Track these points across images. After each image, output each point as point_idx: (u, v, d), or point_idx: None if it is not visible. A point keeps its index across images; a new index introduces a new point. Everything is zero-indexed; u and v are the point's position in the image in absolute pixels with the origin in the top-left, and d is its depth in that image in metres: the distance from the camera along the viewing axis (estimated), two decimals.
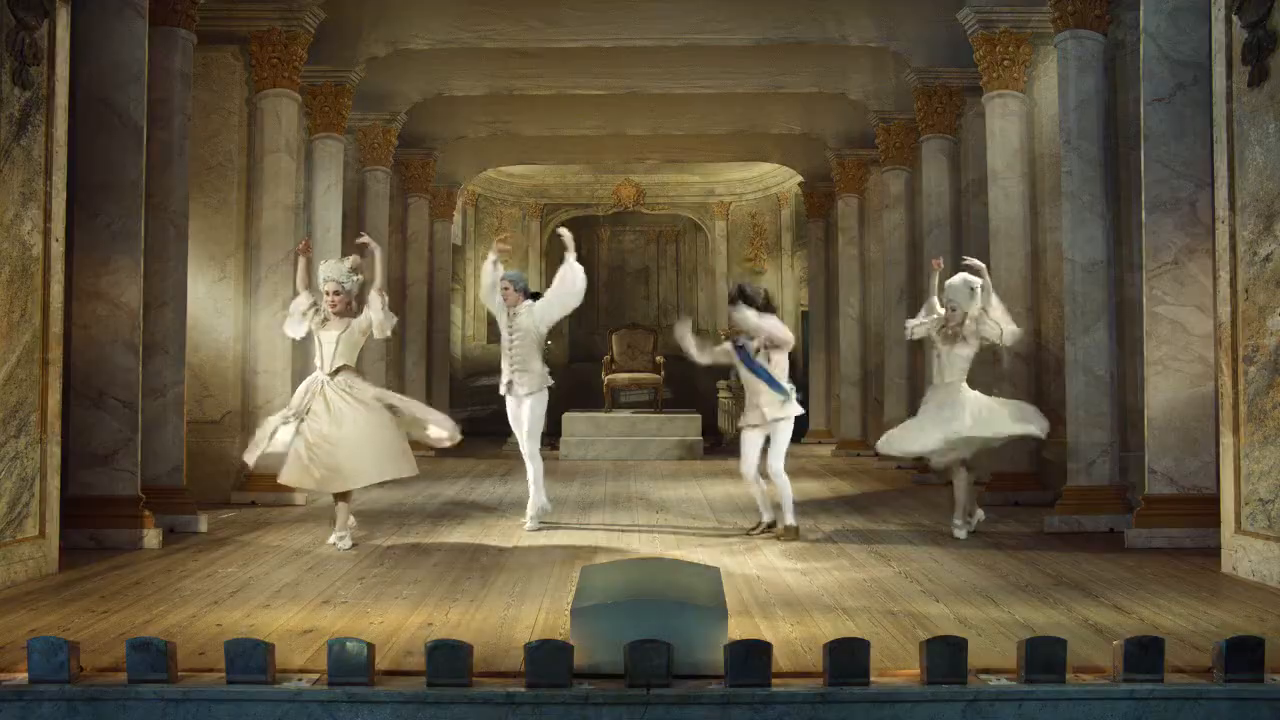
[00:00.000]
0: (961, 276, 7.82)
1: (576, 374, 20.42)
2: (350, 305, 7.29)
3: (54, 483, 6.44)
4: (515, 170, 20.21)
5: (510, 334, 8.13)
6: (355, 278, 7.31)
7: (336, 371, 7.18)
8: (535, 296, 8.18)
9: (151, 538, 7.27)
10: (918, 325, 8.01)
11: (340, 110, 11.60)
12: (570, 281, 8.12)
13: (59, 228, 6.47)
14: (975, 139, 11.13)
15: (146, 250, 7.68)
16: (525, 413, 8.15)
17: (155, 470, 7.97)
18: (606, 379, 16.85)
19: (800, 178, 17.57)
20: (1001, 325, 7.71)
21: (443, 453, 15.20)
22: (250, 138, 10.08)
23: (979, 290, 7.70)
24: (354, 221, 13.25)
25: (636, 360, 17.34)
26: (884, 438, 8.11)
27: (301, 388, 7.29)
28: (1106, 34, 8.54)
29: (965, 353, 7.73)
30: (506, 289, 8.13)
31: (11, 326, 6.11)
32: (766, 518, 7.98)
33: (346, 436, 7.01)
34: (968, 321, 7.69)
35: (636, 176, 20.62)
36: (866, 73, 12.70)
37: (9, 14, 6.03)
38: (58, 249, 6.47)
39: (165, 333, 8.25)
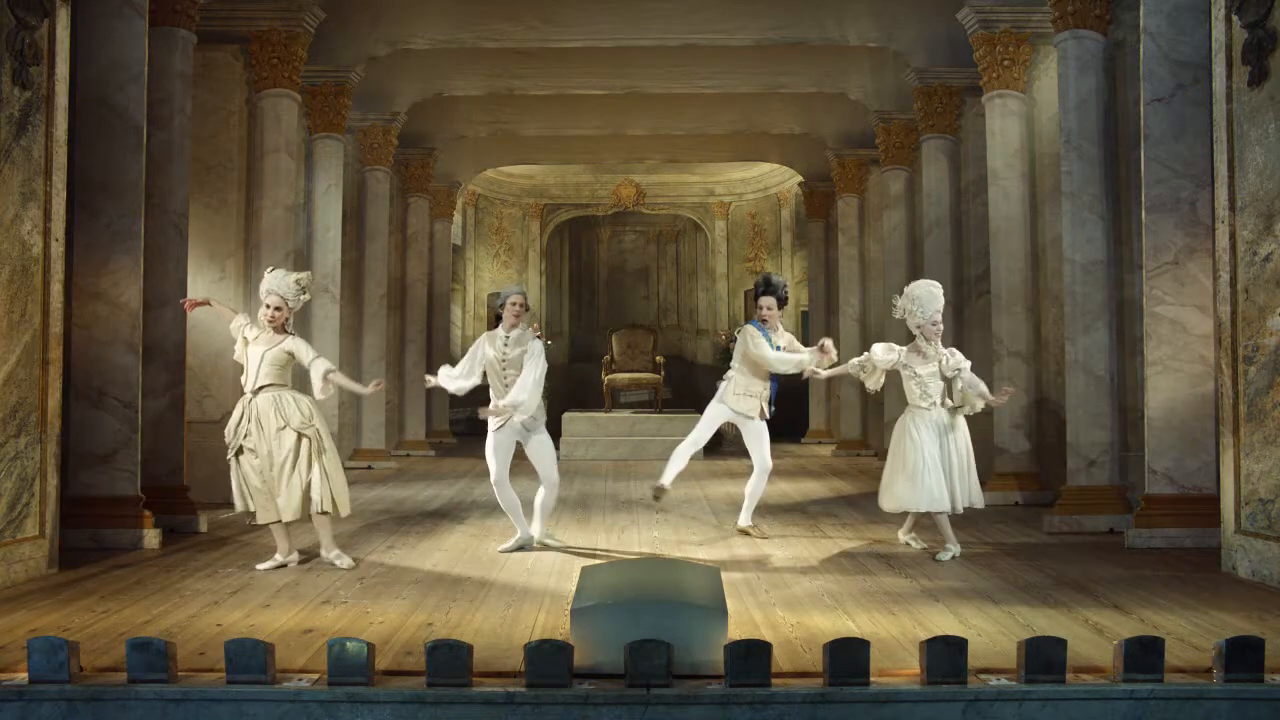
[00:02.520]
0: (923, 282, 7.25)
1: (576, 374, 20.44)
2: (287, 324, 6.67)
3: (54, 483, 6.44)
4: (515, 170, 20.23)
5: (504, 363, 7.20)
6: (302, 297, 6.73)
7: (260, 390, 6.52)
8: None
9: (151, 538, 7.27)
10: (872, 364, 7.22)
11: (340, 110, 11.61)
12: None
13: (59, 228, 6.47)
14: (975, 139, 11.14)
15: (146, 250, 7.68)
16: (543, 440, 7.30)
17: (155, 470, 7.97)
18: (606, 379, 16.84)
19: (800, 178, 17.58)
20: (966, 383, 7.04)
21: (442, 452, 15.27)
22: (250, 138, 10.08)
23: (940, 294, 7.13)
24: (354, 221, 13.26)
25: (636, 360, 17.34)
26: (894, 495, 7.05)
27: (235, 413, 6.63)
28: (1106, 34, 8.54)
29: (934, 369, 7.03)
30: (517, 304, 7.15)
31: (11, 326, 6.11)
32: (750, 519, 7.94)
33: (279, 469, 6.49)
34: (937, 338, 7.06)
35: (636, 176, 20.64)
36: (866, 73, 12.71)
37: (9, 14, 6.04)
38: (58, 249, 6.47)
39: (165, 333, 8.25)
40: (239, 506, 6.63)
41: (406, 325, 15.46)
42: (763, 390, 7.82)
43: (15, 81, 6.09)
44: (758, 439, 7.84)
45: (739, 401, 7.82)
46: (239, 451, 6.57)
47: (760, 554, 7.09)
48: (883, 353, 7.24)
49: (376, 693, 3.90)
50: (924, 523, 7.43)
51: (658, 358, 17.29)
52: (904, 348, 7.22)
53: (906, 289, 7.27)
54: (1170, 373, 7.30)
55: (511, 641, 4.66)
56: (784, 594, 5.77)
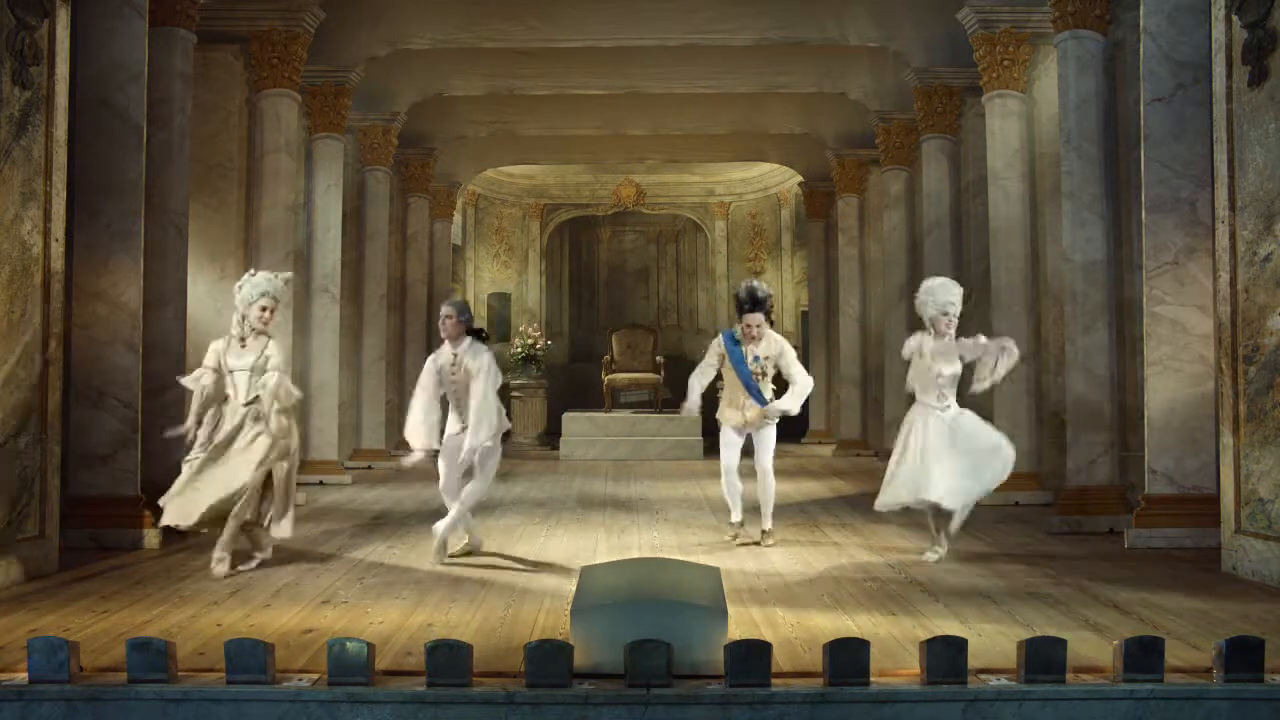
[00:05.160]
0: (941, 279, 7.17)
1: (576, 374, 20.43)
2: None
3: (54, 483, 6.43)
4: (515, 170, 20.22)
5: (454, 379, 6.83)
6: (288, 291, 6.60)
7: (251, 401, 6.42)
8: (479, 334, 7.00)
9: (151, 538, 7.27)
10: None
11: (340, 110, 11.61)
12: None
13: (59, 228, 6.47)
14: (975, 139, 11.13)
15: (146, 250, 7.67)
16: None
17: (155, 470, 7.95)
18: (606, 379, 16.84)
19: (800, 178, 17.58)
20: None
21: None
22: (250, 138, 10.09)
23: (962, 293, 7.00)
24: (354, 221, 13.26)
25: (636, 360, 17.34)
26: (886, 493, 6.88)
27: (230, 423, 6.45)
28: (1106, 34, 8.54)
29: (958, 369, 6.89)
30: (449, 318, 6.83)
31: (11, 326, 6.11)
32: (737, 517, 7.58)
33: (231, 475, 6.35)
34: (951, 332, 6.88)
35: (636, 176, 20.63)
36: (866, 73, 12.71)
37: (9, 14, 6.03)
38: (58, 249, 6.46)
39: (165, 333, 8.25)
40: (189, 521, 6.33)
41: (406, 325, 15.46)
42: (744, 398, 7.36)
43: (15, 81, 6.09)
44: (760, 446, 7.44)
45: (726, 414, 7.45)
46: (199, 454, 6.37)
47: (760, 554, 7.09)
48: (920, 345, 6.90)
49: (376, 693, 3.90)
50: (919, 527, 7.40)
51: (658, 358, 17.28)
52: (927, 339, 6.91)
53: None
54: (1170, 373, 7.30)
55: (511, 641, 4.66)
56: (784, 594, 5.77)
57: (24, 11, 6.12)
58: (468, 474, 6.91)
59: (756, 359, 7.38)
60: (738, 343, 7.42)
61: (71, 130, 6.74)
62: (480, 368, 6.74)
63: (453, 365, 6.84)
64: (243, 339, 6.52)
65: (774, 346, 7.46)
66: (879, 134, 13.24)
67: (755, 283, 7.53)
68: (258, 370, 6.46)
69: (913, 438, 6.80)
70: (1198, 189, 7.22)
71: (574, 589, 4.65)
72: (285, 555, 6.92)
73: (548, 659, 3.93)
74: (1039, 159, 10.15)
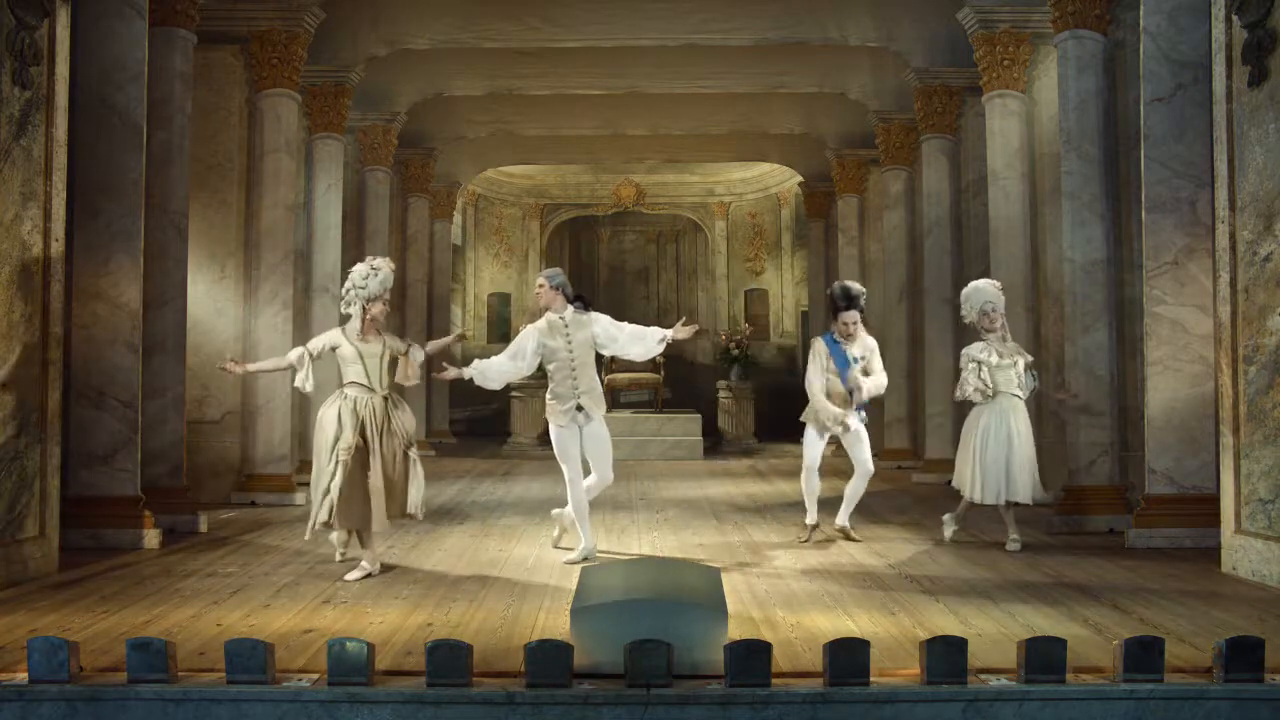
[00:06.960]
0: (984, 280, 7.66)
1: None
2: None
3: (54, 483, 6.43)
4: (515, 170, 20.23)
5: (570, 349, 7.01)
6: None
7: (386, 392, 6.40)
8: (580, 299, 7.09)
9: (151, 538, 7.27)
10: (975, 381, 7.27)
11: (340, 110, 11.61)
12: (651, 341, 7.18)
13: (59, 228, 6.47)
14: (975, 139, 11.14)
15: (146, 250, 7.68)
16: (602, 434, 7.34)
17: (155, 470, 7.97)
18: (606, 379, 16.83)
19: (800, 178, 17.58)
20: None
21: (442, 452, 15.26)
22: (250, 138, 10.08)
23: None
24: (354, 221, 13.26)
25: (636, 360, 17.33)
26: (975, 488, 7.26)
27: (334, 413, 6.29)
28: (1106, 34, 8.54)
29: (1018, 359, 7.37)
30: (541, 287, 6.98)
31: (11, 326, 6.11)
32: (813, 518, 7.69)
33: (387, 473, 6.30)
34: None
35: (636, 176, 20.64)
36: (866, 73, 12.71)
37: (9, 14, 6.03)
38: (58, 249, 6.46)
39: (165, 333, 8.25)
40: (321, 518, 6.19)
41: (406, 325, 15.45)
42: (841, 399, 7.47)
43: (15, 81, 6.09)
44: (857, 443, 7.59)
45: (817, 415, 7.60)
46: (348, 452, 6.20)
47: (760, 554, 7.10)
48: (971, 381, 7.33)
49: (376, 693, 3.90)
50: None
51: (658, 358, 17.26)
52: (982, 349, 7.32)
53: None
54: (1170, 373, 7.30)
55: (511, 641, 4.66)
56: (784, 594, 5.77)
57: (24, 11, 6.12)
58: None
59: (856, 359, 7.41)
60: (837, 342, 7.45)
61: (71, 130, 6.73)
62: (602, 329, 7.00)
63: (566, 334, 6.96)
64: (362, 330, 6.43)
65: (867, 345, 7.50)
66: (879, 134, 13.24)
67: (849, 281, 7.73)
68: (386, 357, 6.41)
69: (1001, 430, 7.19)
70: (1198, 189, 7.22)
71: (574, 589, 4.65)
72: (286, 555, 6.93)
73: (548, 659, 3.93)
74: (1039, 159, 10.15)
